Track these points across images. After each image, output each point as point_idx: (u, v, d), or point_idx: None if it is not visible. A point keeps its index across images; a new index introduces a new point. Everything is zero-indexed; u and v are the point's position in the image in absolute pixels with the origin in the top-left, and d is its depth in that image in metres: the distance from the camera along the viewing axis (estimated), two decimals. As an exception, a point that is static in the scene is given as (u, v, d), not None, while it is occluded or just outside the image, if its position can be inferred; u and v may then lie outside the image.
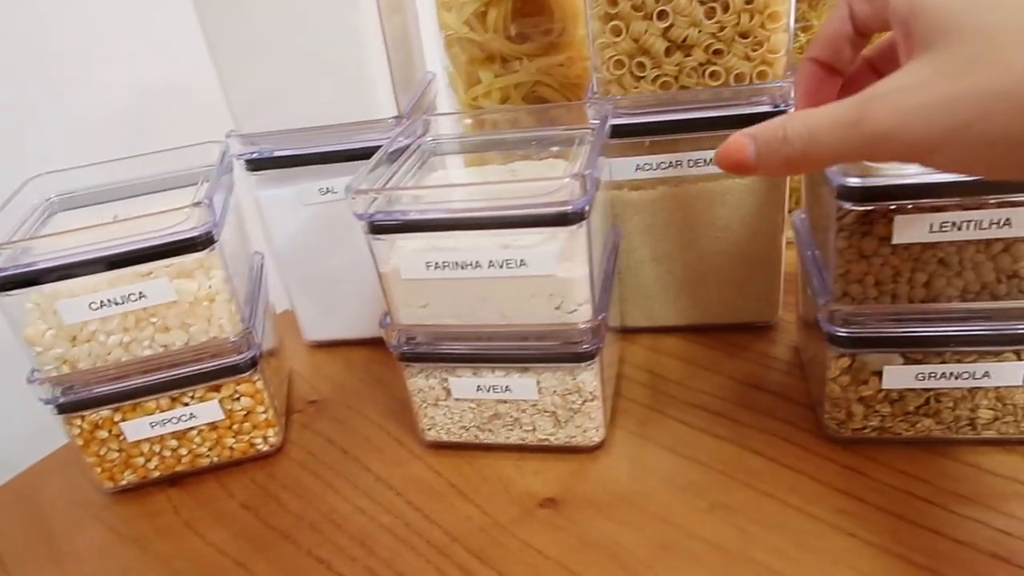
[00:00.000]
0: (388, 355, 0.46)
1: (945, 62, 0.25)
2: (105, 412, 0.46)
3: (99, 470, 0.48)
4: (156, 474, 0.49)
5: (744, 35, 0.45)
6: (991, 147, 0.25)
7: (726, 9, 0.45)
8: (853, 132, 0.27)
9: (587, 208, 0.39)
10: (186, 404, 0.47)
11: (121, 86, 0.70)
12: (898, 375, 0.41)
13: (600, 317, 0.43)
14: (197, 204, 0.43)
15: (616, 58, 0.47)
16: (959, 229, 0.37)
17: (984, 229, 0.37)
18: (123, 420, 0.46)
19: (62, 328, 0.44)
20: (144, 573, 0.44)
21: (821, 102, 0.30)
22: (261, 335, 0.49)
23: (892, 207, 0.37)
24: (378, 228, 0.42)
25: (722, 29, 0.45)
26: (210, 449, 0.49)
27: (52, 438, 0.52)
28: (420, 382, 0.46)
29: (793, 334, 0.55)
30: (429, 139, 0.52)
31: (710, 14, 0.45)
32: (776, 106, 0.46)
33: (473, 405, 0.46)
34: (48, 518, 0.49)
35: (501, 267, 0.41)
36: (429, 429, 0.48)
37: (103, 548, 0.46)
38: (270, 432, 0.50)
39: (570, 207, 0.39)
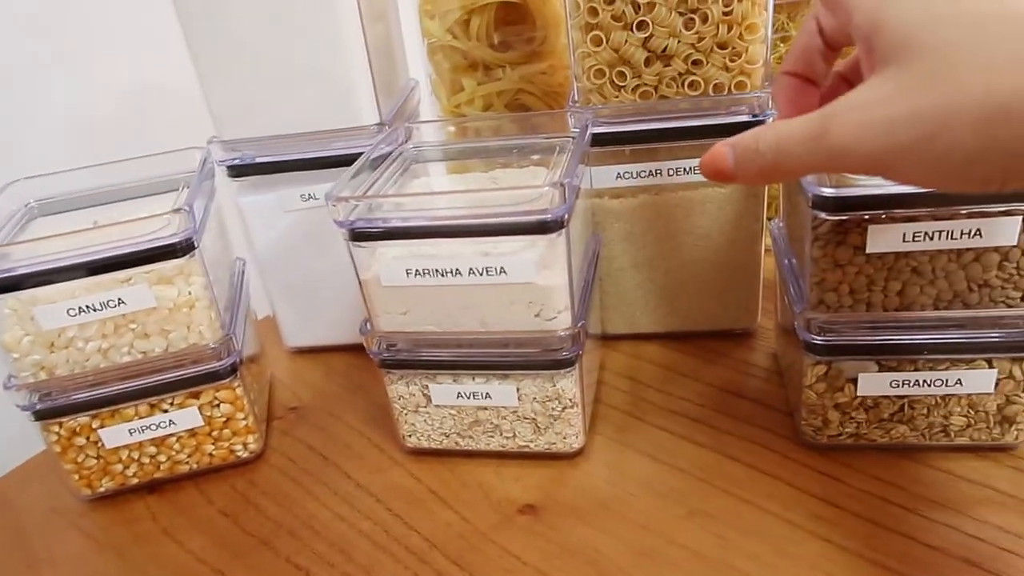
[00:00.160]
0: (369, 361, 0.46)
1: (905, 79, 0.26)
2: (83, 419, 0.46)
3: (77, 477, 0.48)
4: (134, 481, 0.49)
5: (722, 46, 0.46)
6: (946, 162, 0.25)
7: (705, 20, 0.45)
8: (818, 145, 0.28)
9: (567, 216, 0.39)
10: (165, 411, 0.47)
11: (102, 92, 0.70)
12: (873, 382, 0.42)
13: (579, 324, 0.43)
14: (177, 210, 0.43)
15: (597, 67, 0.48)
16: (931, 239, 0.38)
17: (956, 239, 0.37)
18: (101, 427, 0.46)
19: (40, 334, 0.43)
20: (121, 581, 0.43)
21: (805, 110, 0.31)
22: (241, 341, 0.48)
23: (866, 217, 0.37)
24: (358, 235, 0.42)
25: (701, 40, 0.46)
26: (189, 456, 0.49)
27: (30, 444, 0.51)
28: (400, 389, 0.47)
29: (772, 341, 0.55)
30: (411, 146, 0.52)
31: (689, 25, 0.45)
32: (754, 116, 0.47)
33: (453, 412, 0.47)
34: (25, 525, 0.48)
35: (481, 274, 0.41)
36: (409, 436, 0.48)
37: (80, 555, 0.45)
38: (250, 439, 0.50)
39: (550, 215, 0.39)
